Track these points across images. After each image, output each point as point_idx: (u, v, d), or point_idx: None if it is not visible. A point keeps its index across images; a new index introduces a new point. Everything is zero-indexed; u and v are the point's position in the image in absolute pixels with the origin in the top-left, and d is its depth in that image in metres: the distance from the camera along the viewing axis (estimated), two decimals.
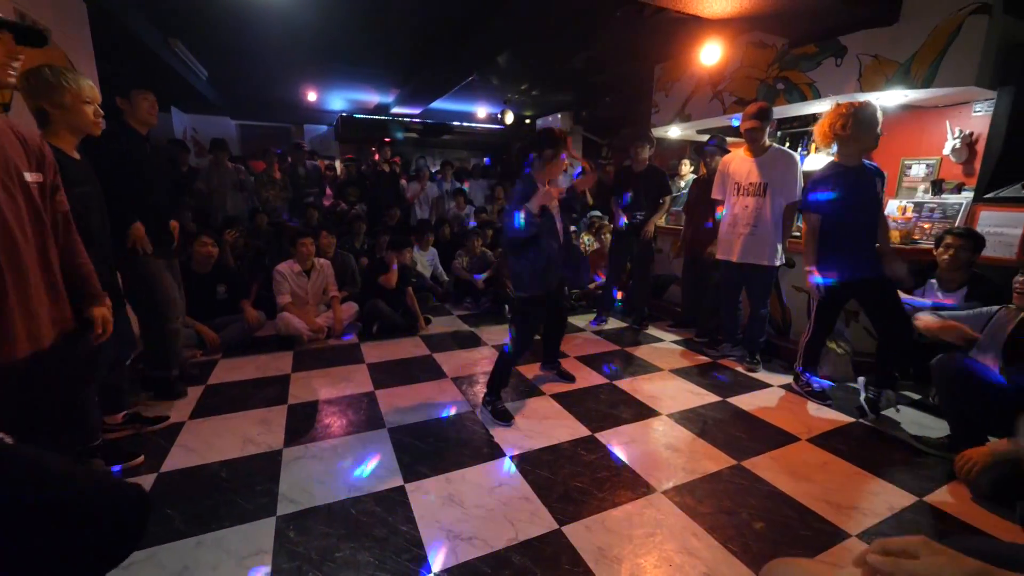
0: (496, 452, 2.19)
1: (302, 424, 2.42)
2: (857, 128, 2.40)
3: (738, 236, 3.14)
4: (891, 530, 1.72)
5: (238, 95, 7.37)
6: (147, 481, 1.92)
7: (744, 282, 3.26)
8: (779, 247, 3.06)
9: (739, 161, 3.17)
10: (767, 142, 3.08)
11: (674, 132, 5.22)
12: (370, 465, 2.07)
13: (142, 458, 2.05)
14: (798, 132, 4.43)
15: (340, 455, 2.15)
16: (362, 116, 8.36)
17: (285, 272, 3.70)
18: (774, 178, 3.01)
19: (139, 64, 4.59)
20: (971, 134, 3.29)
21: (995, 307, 2.12)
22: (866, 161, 2.55)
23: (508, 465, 2.09)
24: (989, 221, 2.99)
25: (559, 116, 7.44)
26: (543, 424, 2.46)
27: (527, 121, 8.40)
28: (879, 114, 2.42)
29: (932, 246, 2.86)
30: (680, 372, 3.22)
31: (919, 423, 2.54)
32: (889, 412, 2.64)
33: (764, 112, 3.01)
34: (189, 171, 5.26)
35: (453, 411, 2.60)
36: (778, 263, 3.09)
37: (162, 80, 5.26)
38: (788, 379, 3.08)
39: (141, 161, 2.38)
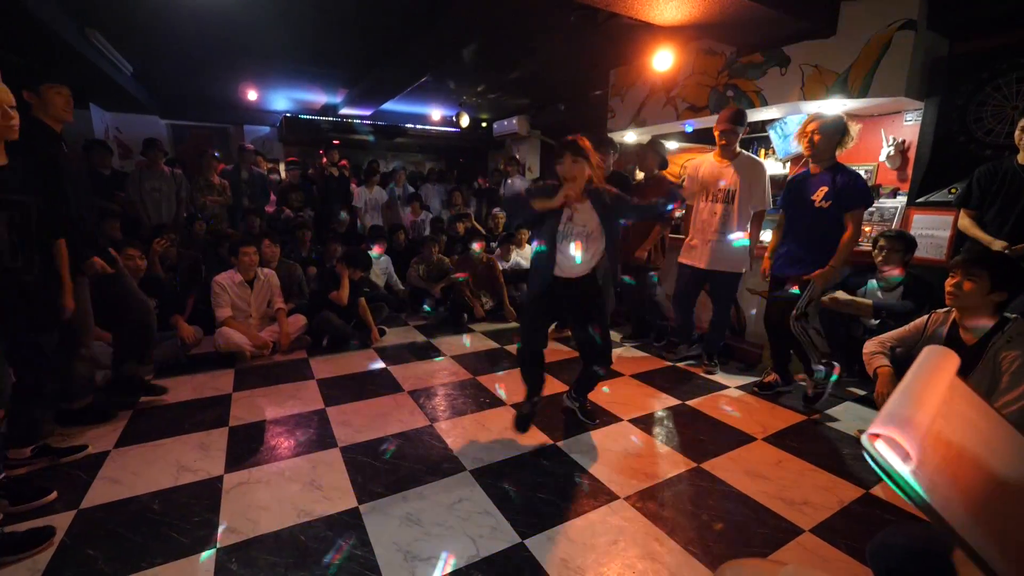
0: (455, 467, 2.18)
1: (245, 447, 2.32)
2: (820, 138, 2.65)
3: (706, 243, 3.24)
4: (841, 523, 1.84)
5: (168, 92, 7.00)
6: (63, 520, 1.78)
7: (710, 287, 3.40)
8: (746, 254, 3.19)
9: (709, 165, 3.26)
10: (738, 148, 3.20)
11: (630, 137, 5.41)
12: (321, 487, 2.01)
13: (55, 494, 1.90)
14: (748, 138, 4.70)
15: (288, 478, 2.07)
16: (308, 117, 8.14)
17: (225, 283, 3.54)
18: (743, 185, 3.12)
19: (51, 56, 4.27)
20: (903, 142, 3.60)
21: (924, 317, 2.30)
22: (843, 167, 2.67)
23: (468, 479, 2.09)
24: (921, 224, 3.28)
25: (516, 120, 7.53)
26: (504, 435, 2.47)
27: (483, 124, 8.45)
28: (848, 129, 2.63)
29: (870, 248, 3.09)
30: (640, 377, 3.32)
31: (863, 418, 2.74)
32: (837, 408, 2.83)
33: (738, 115, 3.13)
34: (113, 175, 4.94)
35: (410, 426, 2.56)
36: (744, 269, 3.24)
37: (79, 74, 4.92)
38: (745, 380, 3.24)
39: (55, 159, 2.18)
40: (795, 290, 2.80)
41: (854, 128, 2.65)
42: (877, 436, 0.51)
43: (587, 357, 2.51)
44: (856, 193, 2.60)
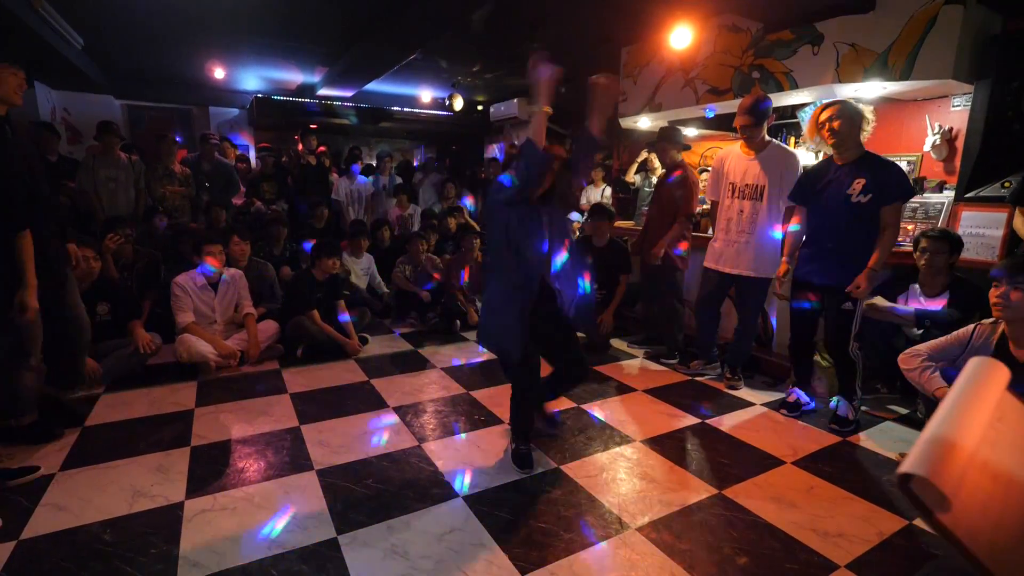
0: (447, 493, 2.19)
1: (209, 470, 2.32)
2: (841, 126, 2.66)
3: (731, 244, 3.25)
4: (880, 558, 1.85)
5: (124, 69, 7.02)
6: (1, 552, 1.78)
7: (736, 294, 3.40)
8: (778, 256, 3.16)
9: (735, 158, 3.27)
10: (766, 138, 3.20)
11: (644, 123, 5.43)
12: (294, 515, 2.01)
13: None
14: (776, 125, 4.72)
15: (257, 505, 2.07)
16: (282, 98, 8.17)
17: (186, 285, 3.54)
18: (772, 180, 3.11)
19: None
20: (951, 129, 3.62)
21: (968, 327, 2.31)
22: (877, 157, 2.69)
23: (461, 507, 2.09)
24: (970, 222, 3.29)
25: (515, 102, 7.56)
26: (501, 457, 2.48)
27: (479, 108, 8.49)
28: (864, 112, 2.67)
29: (911, 248, 3.10)
30: (654, 392, 3.33)
31: (907, 439, 2.74)
32: (876, 429, 2.84)
33: (758, 106, 3.08)
34: (60, 161, 4.95)
35: (395, 447, 2.56)
36: (775, 274, 3.22)
37: (23, 47, 4.93)
38: (772, 396, 3.25)
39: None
40: (815, 301, 2.85)
41: (868, 110, 2.69)
42: (911, 475, 0.50)
43: (566, 368, 2.52)
44: (895, 186, 2.61)
